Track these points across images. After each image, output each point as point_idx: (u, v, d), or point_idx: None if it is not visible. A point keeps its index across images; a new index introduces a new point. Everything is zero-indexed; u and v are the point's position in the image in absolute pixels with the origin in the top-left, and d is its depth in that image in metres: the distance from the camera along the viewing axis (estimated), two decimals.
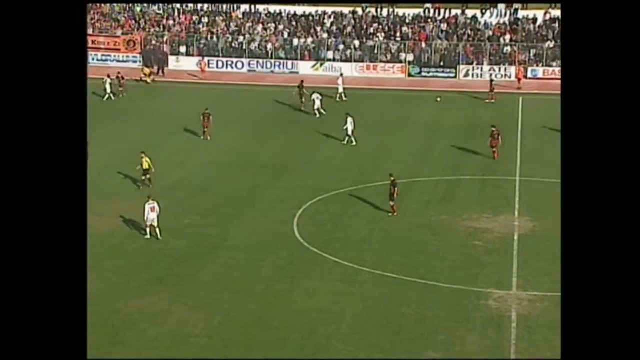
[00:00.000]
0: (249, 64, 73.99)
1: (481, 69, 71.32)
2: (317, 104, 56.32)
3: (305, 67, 72.33)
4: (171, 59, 74.80)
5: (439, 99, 61.90)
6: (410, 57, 73.01)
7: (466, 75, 71.32)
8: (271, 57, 74.23)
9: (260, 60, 74.04)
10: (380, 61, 73.01)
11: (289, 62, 73.57)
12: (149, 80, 68.53)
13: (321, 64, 72.80)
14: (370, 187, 41.65)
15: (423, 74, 71.89)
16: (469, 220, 37.13)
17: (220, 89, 65.62)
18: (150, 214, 34.36)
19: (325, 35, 75.65)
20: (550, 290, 29.41)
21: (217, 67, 73.79)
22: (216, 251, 33.64)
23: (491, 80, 63.48)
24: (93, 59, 74.39)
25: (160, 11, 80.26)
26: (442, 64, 72.60)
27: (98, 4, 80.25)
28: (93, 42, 75.19)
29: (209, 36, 76.27)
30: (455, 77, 71.12)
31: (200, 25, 77.90)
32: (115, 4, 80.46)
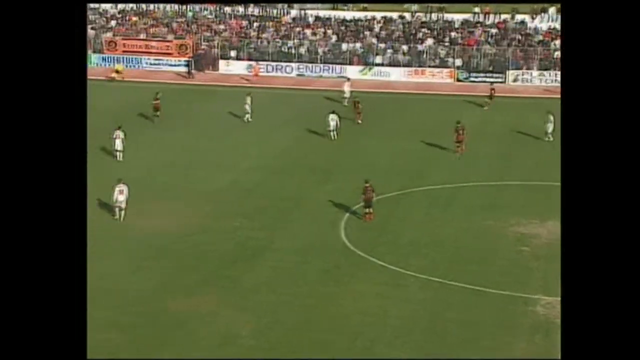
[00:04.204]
0: (298, 68, 74.41)
1: (531, 74, 70.83)
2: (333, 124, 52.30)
3: (353, 72, 72.50)
4: (221, 63, 75.51)
5: (486, 108, 61.38)
6: (458, 62, 72.80)
7: (515, 80, 70.87)
8: (320, 62, 74.56)
9: (310, 65, 74.40)
10: (429, 66, 72.91)
11: (338, 66, 73.81)
12: (117, 77, 70.40)
13: (370, 69, 72.93)
14: (417, 191, 41.68)
15: (471, 79, 71.64)
16: (516, 226, 36.97)
17: (270, 93, 66.06)
18: (119, 197, 36.51)
19: (374, 40, 75.76)
20: None
21: (266, 71, 74.30)
22: (263, 254, 33.93)
23: (492, 88, 62.67)
24: (146, 63, 75.50)
25: (212, 16, 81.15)
26: (491, 69, 72.25)
27: (151, 9, 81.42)
28: (146, 46, 76.34)
29: (259, 41, 76.83)
30: (504, 82, 70.69)
31: (251, 30, 78.53)
32: (168, 9, 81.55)
